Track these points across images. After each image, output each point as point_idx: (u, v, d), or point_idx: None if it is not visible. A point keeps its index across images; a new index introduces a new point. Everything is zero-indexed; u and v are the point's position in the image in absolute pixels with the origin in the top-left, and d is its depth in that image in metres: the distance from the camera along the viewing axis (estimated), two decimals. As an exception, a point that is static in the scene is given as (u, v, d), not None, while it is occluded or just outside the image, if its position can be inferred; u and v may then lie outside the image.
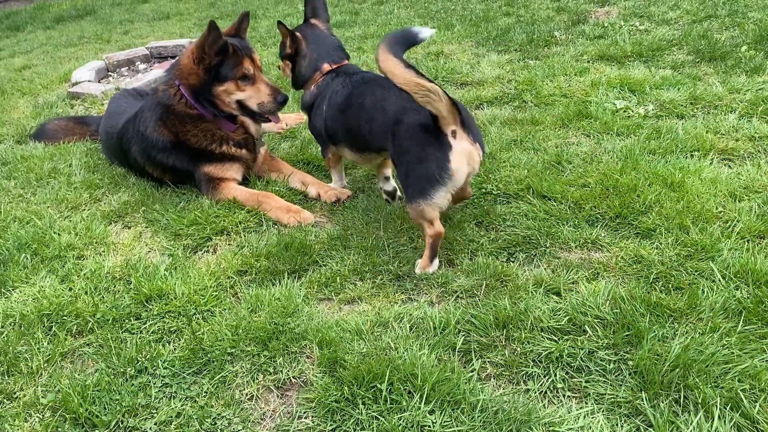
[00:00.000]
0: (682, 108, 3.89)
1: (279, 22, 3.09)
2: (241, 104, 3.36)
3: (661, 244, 2.61)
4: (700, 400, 1.86)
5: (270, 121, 3.45)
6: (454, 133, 2.45)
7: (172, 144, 3.38)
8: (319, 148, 3.35)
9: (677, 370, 1.95)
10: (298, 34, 3.09)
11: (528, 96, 4.34)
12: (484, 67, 5.05)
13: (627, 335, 2.13)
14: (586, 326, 2.20)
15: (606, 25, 5.80)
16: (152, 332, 2.38)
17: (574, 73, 4.67)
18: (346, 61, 3.17)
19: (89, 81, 5.69)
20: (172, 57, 6.44)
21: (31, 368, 2.23)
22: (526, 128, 3.81)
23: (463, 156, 2.47)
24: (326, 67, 3.09)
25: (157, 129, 3.39)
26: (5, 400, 2.13)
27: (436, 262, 2.63)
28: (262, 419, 2.01)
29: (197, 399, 2.07)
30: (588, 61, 4.93)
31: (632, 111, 3.93)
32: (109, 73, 6.24)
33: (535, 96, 4.32)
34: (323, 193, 3.33)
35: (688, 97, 3.99)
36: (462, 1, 7.60)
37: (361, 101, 2.81)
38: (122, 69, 6.30)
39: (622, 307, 2.25)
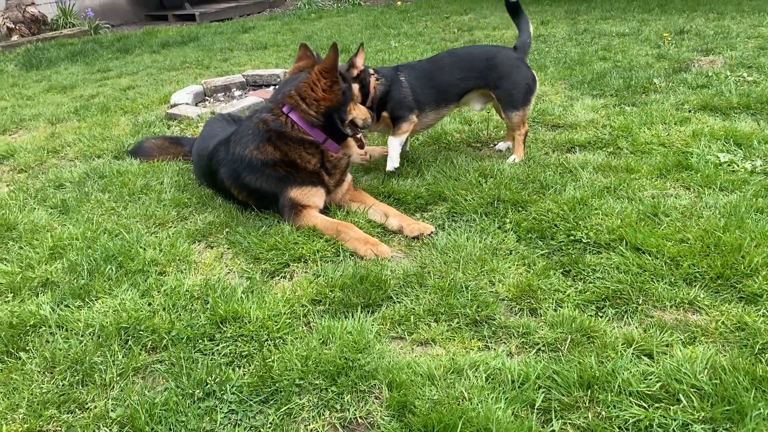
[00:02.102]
0: (795, 165, 3.61)
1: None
2: (351, 122, 3.60)
3: (768, 311, 2.39)
4: (814, 495, 1.64)
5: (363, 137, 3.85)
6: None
7: (274, 162, 3.43)
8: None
9: (787, 456, 1.74)
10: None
11: (623, 143, 4.16)
12: (577, 111, 4.90)
13: (727, 410, 1.93)
14: (680, 395, 2.01)
15: (710, 74, 5.53)
16: (224, 355, 2.37)
17: (674, 122, 4.45)
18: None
19: (187, 104, 5.92)
20: (267, 85, 6.63)
21: (105, 380, 2.26)
22: (620, 176, 3.64)
23: (534, 74, 4.04)
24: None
25: (261, 148, 3.44)
26: (77, 409, 2.15)
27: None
28: (325, 459, 1.93)
29: (261, 429, 2.02)
30: (689, 111, 4.70)
31: (737, 165, 3.68)
32: (206, 97, 6.48)
33: (630, 143, 4.14)
34: (406, 226, 3.28)
35: (801, 154, 3.70)
36: (557, 44, 7.49)
37: (444, 63, 4.00)
38: (218, 94, 6.53)
39: (723, 378, 2.05)
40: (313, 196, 3.43)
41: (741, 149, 3.90)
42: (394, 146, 3.96)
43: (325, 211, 3.53)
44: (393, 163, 3.95)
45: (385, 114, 3.91)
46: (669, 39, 7.13)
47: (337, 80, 3.44)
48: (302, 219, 3.35)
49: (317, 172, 3.47)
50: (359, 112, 3.65)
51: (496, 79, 3.92)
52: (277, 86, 6.54)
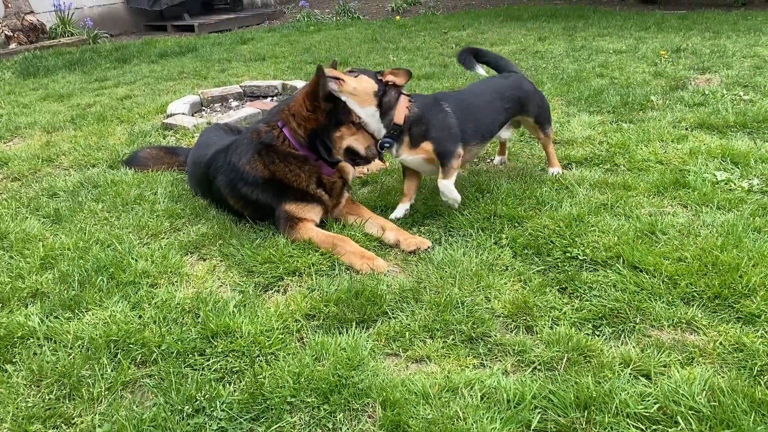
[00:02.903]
0: (792, 185, 3.60)
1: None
2: (348, 149, 3.43)
3: (766, 332, 2.36)
4: None
5: (370, 162, 3.60)
6: None
7: (263, 179, 3.41)
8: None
9: (787, 482, 1.70)
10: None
11: (620, 159, 4.15)
12: (574, 127, 4.90)
13: (727, 434, 1.90)
14: (678, 417, 1.98)
15: (706, 92, 5.54)
16: (214, 370, 2.32)
17: (671, 139, 4.45)
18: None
19: (183, 114, 5.90)
20: (264, 96, 6.62)
21: (92, 394, 2.21)
22: (617, 192, 3.62)
23: None
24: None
25: (252, 163, 3.43)
26: (63, 424, 2.10)
27: None
28: (315, 478, 1.89)
29: (251, 448, 1.97)
30: (686, 129, 4.70)
31: (734, 184, 3.67)
32: (203, 107, 6.46)
33: (628, 160, 4.13)
34: (402, 240, 3.24)
35: (799, 174, 3.70)
36: (554, 60, 7.51)
37: (479, 97, 3.70)
38: (215, 105, 6.51)
39: (721, 400, 2.02)
40: (309, 211, 3.40)
41: (738, 168, 3.89)
42: (449, 189, 3.40)
43: (321, 224, 3.49)
44: (455, 199, 3.43)
45: (427, 146, 3.36)
46: (666, 57, 7.15)
47: (319, 104, 3.32)
48: (298, 232, 3.31)
49: (311, 190, 3.42)
50: (360, 139, 3.44)
51: (531, 105, 3.84)
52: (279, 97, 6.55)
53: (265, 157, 3.41)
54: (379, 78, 3.39)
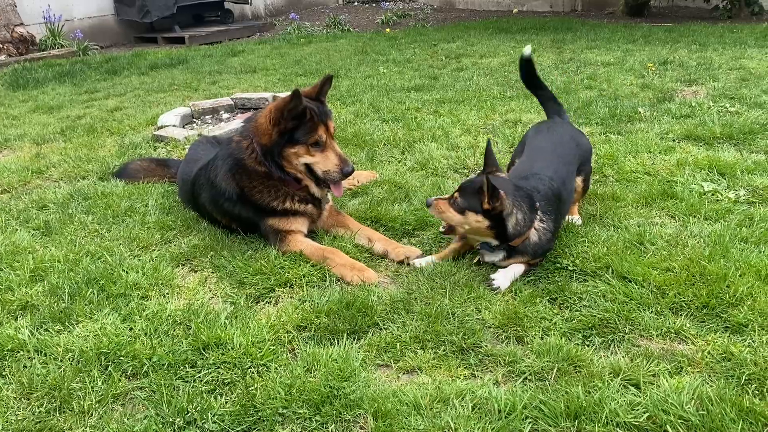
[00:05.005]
0: (778, 195, 3.65)
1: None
2: (308, 167, 3.35)
3: (754, 341, 2.39)
4: None
5: (328, 186, 3.42)
6: None
7: (238, 196, 3.42)
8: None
9: (775, 490, 1.72)
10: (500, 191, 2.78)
11: (609, 170, 4.19)
12: (563, 139, 4.93)
13: (715, 442, 1.92)
14: (668, 426, 2.00)
15: (693, 104, 5.61)
16: (205, 382, 2.32)
17: (659, 151, 4.50)
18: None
19: (174, 126, 5.90)
20: (255, 108, 6.63)
21: (83, 407, 2.20)
22: (606, 204, 3.66)
23: None
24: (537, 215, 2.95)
25: (226, 180, 3.45)
26: (53, 438, 2.10)
27: None
28: (307, 490, 1.89)
29: (243, 460, 1.97)
30: (674, 140, 4.75)
31: (721, 195, 3.71)
32: (194, 119, 6.47)
33: (616, 171, 4.17)
34: (391, 250, 3.26)
35: (784, 185, 3.75)
36: (543, 72, 7.57)
37: (563, 176, 3.20)
38: (206, 117, 6.52)
39: (710, 409, 2.04)
40: (294, 223, 3.40)
41: (724, 179, 3.94)
42: (511, 279, 2.93)
43: (312, 235, 3.50)
44: (503, 288, 2.88)
45: (534, 260, 3.01)
46: (653, 69, 7.24)
47: (280, 122, 3.24)
48: (288, 244, 3.32)
49: (277, 206, 3.38)
50: (321, 159, 3.30)
51: (586, 164, 3.49)
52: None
53: (235, 173, 3.41)
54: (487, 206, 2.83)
